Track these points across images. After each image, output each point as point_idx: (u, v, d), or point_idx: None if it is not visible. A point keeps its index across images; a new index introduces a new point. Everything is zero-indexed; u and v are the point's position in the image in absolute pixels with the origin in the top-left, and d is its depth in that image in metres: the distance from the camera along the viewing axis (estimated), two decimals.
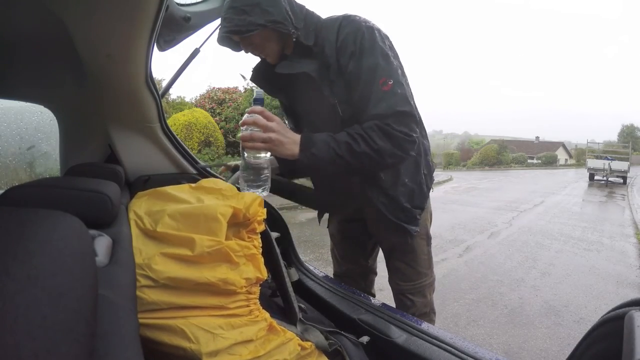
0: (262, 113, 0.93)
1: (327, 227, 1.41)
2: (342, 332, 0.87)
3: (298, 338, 0.74)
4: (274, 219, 1.27)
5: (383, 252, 1.29)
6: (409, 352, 0.82)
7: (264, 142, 0.92)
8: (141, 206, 0.76)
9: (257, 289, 0.70)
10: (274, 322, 0.71)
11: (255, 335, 0.65)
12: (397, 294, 1.26)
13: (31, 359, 0.16)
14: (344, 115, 1.04)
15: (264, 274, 0.70)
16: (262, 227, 0.76)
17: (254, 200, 0.74)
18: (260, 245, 0.74)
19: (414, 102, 1.03)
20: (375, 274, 1.45)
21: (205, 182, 0.80)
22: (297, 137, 0.96)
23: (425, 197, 1.16)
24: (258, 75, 1.16)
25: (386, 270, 1.29)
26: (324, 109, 1.07)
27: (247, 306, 0.67)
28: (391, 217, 1.10)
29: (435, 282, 1.28)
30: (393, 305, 1.11)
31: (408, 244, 1.17)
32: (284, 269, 0.91)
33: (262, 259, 0.72)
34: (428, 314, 1.25)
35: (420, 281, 1.22)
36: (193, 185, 0.80)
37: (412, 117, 0.98)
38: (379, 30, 1.03)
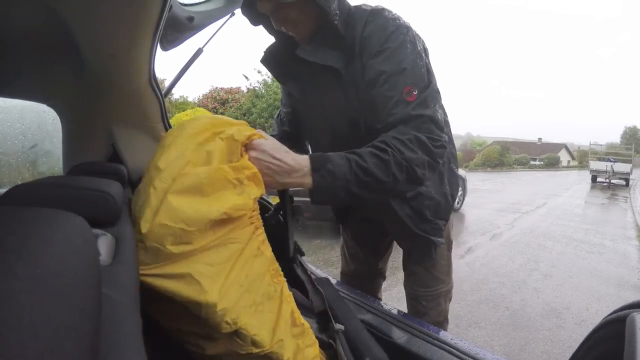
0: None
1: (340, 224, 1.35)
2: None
3: (295, 310, 0.73)
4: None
5: (403, 251, 1.21)
6: (410, 353, 0.82)
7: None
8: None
9: (256, 209, 0.69)
10: (280, 269, 0.72)
11: (262, 273, 0.67)
12: (411, 299, 1.20)
13: (36, 358, 0.16)
14: (366, 125, 0.93)
15: (264, 189, 0.69)
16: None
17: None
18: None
19: (439, 102, 0.90)
20: (384, 278, 1.40)
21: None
22: (297, 157, 0.76)
23: (450, 207, 1.08)
24: (270, 57, 1.03)
25: (391, 271, 1.26)
26: (344, 112, 0.96)
27: (252, 223, 0.67)
28: (415, 229, 1.04)
29: (452, 290, 1.22)
30: (402, 308, 1.08)
31: (427, 248, 1.11)
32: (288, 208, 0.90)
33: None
34: (441, 323, 1.18)
35: (437, 288, 1.16)
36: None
37: (434, 123, 0.85)
38: (409, 28, 0.90)
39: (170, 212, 0.59)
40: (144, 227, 0.59)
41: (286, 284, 0.73)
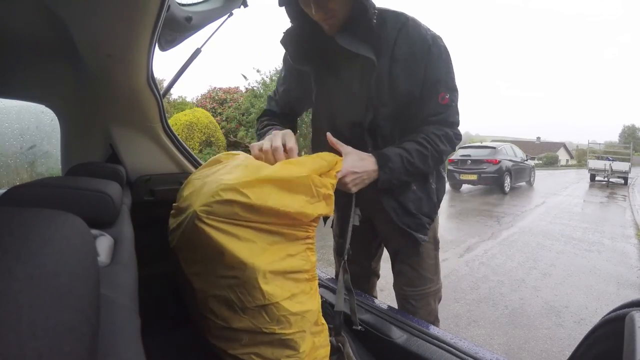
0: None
1: (331, 227, 1.38)
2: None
3: (320, 312, 0.78)
4: None
5: (389, 254, 1.26)
6: (410, 353, 0.82)
7: (342, 187, 0.92)
8: None
9: (315, 224, 0.77)
10: (317, 276, 0.78)
11: (301, 270, 0.73)
12: (401, 299, 1.22)
13: (35, 359, 0.16)
14: (377, 115, 1.03)
15: (332, 211, 0.80)
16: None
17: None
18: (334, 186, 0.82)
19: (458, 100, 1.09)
20: (378, 276, 1.42)
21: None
22: (371, 159, 0.97)
23: (435, 207, 1.16)
24: (290, 39, 1.07)
25: (387, 270, 1.27)
26: (358, 99, 1.04)
27: (306, 232, 0.75)
28: (399, 223, 1.10)
29: (442, 290, 1.23)
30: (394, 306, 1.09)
31: (413, 246, 1.15)
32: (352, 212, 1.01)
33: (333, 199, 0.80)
34: (432, 323, 1.16)
35: (425, 287, 1.17)
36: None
37: (457, 123, 1.07)
38: (441, 39, 1.02)
39: (256, 189, 0.68)
40: (232, 180, 0.68)
41: (318, 288, 0.79)
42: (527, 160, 12.18)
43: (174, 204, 0.81)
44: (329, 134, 0.97)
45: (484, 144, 12.36)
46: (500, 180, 10.04)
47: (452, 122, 1.05)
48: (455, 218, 6.81)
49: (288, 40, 1.07)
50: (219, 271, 0.68)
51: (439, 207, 1.18)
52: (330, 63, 1.08)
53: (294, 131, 1.22)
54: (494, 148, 10.86)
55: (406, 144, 1.01)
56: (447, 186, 10.56)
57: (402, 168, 0.99)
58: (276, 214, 0.69)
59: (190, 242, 0.70)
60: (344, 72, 1.06)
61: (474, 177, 10.27)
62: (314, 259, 0.77)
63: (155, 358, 0.61)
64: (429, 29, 1.02)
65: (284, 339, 0.68)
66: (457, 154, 10.97)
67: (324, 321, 0.78)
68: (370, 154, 0.98)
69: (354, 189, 0.94)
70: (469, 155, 10.73)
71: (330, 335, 0.83)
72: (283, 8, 1.05)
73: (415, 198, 1.11)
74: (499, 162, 10.07)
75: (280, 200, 0.69)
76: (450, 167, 10.75)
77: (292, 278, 0.71)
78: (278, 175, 0.70)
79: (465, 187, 11.31)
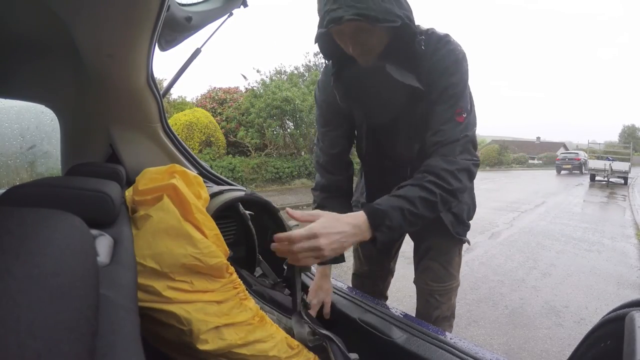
0: (289, 241, 0.75)
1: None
2: (335, 337, 0.86)
3: (288, 337, 0.76)
4: (275, 222, 1.27)
5: (417, 249, 1.28)
6: (410, 353, 0.82)
7: (314, 252, 0.75)
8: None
9: (233, 272, 0.73)
10: (265, 316, 0.75)
11: (245, 321, 0.69)
12: (425, 294, 1.24)
13: (34, 358, 0.16)
14: (423, 143, 0.98)
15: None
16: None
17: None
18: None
19: (475, 122, 1.00)
20: (393, 275, 1.47)
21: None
22: (352, 219, 0.80)
23: (475, 209, 1.23)
24: (338, 80, 1.02)
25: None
26: (404, 130, 1.05)
27: (235, 288, 0.71)
28: (453, 232, 1.16)
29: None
30: (403, 305, 1.11)
31: (447, 246, 1.21)
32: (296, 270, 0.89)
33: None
34: (449, 319, 1.25)
35: (450, 283, 1.23)
36: None
37: (473, 143, 0.96)
38: (465, 56, 0.96)
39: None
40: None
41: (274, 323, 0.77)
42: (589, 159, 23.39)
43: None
44: (288, 210, 0.82)
45: (572, 150, 25.34)
46: (581, 168, 21.56)
47: (467, 137, 0.93)
48: (559, 183, 14.67)
49: (337, 83, 1.01)
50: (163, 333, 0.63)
51: None
52: (381, 95, 1.02)
53: (349, 177, 1.19)
54: (577, 153, 23.39)
55: (408, 190, 0.86)
56: (554, 171, 23.58)
57: (403, 222, 0.83)
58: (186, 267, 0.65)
59: None
60: (397, 102, 1.01)
61: (569, 166, 22.56)
62: (252, 304, 0.73)
63: (154, 358, 0.61)
64: (459, 45, 0.96)
65: None
66: (560, 156, 24.01)
67: (297, 343, 0.76)
68: (358, 213, 0.82)
69: (331, 254, 0.76)
70: (566, 156, 23.24)
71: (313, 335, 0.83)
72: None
73: (466, 208, 1.18)
74: (580, 159, 22.00)
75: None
76: (557, 162, 23.53)
77: (238, 328, 0.67)
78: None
79: (562, 172, 22.64)
